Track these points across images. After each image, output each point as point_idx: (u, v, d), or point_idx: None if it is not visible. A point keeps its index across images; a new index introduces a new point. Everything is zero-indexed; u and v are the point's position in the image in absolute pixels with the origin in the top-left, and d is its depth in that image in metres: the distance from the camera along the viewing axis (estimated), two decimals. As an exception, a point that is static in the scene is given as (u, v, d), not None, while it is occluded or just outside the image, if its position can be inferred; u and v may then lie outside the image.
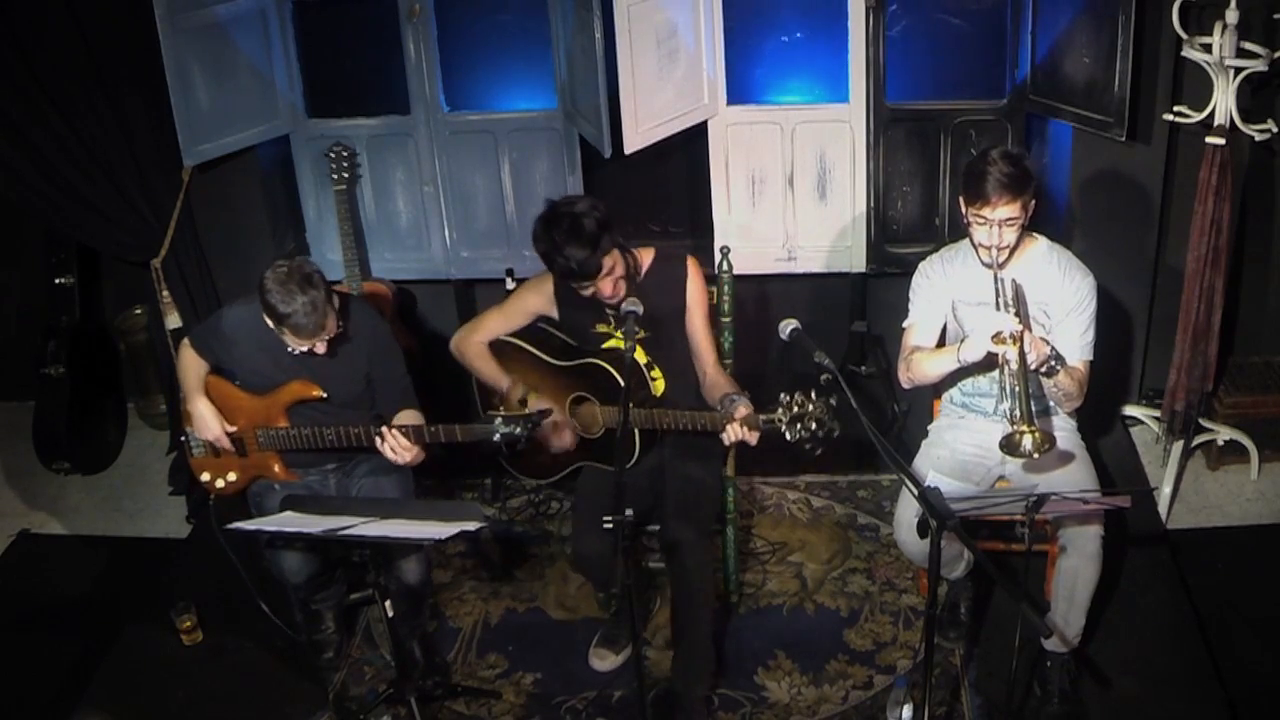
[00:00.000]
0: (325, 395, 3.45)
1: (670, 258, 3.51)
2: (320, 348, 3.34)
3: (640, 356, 3.44)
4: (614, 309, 3.40)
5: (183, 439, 3.65)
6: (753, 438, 3.19)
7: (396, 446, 3.35)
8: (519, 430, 3.22)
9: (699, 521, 3.42)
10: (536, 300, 3.58)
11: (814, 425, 3.05)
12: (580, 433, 3.53)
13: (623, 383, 3.32)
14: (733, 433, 3.18)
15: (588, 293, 3.32)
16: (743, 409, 3.20)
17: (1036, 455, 3.09)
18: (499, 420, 3.24)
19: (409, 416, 3.49)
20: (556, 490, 4.43)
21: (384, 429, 3.35)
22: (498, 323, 3.62)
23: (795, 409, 3.05)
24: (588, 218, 3.24)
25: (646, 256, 3.50)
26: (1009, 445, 3.09)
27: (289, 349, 3.34)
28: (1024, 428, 3.06)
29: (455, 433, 3.34)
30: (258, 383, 3.52)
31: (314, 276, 3.23)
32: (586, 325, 3.52)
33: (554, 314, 3.57)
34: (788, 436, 3.07)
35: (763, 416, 3.12)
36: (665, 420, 3.33)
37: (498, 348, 3.61)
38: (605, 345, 3.48)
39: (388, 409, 3.52)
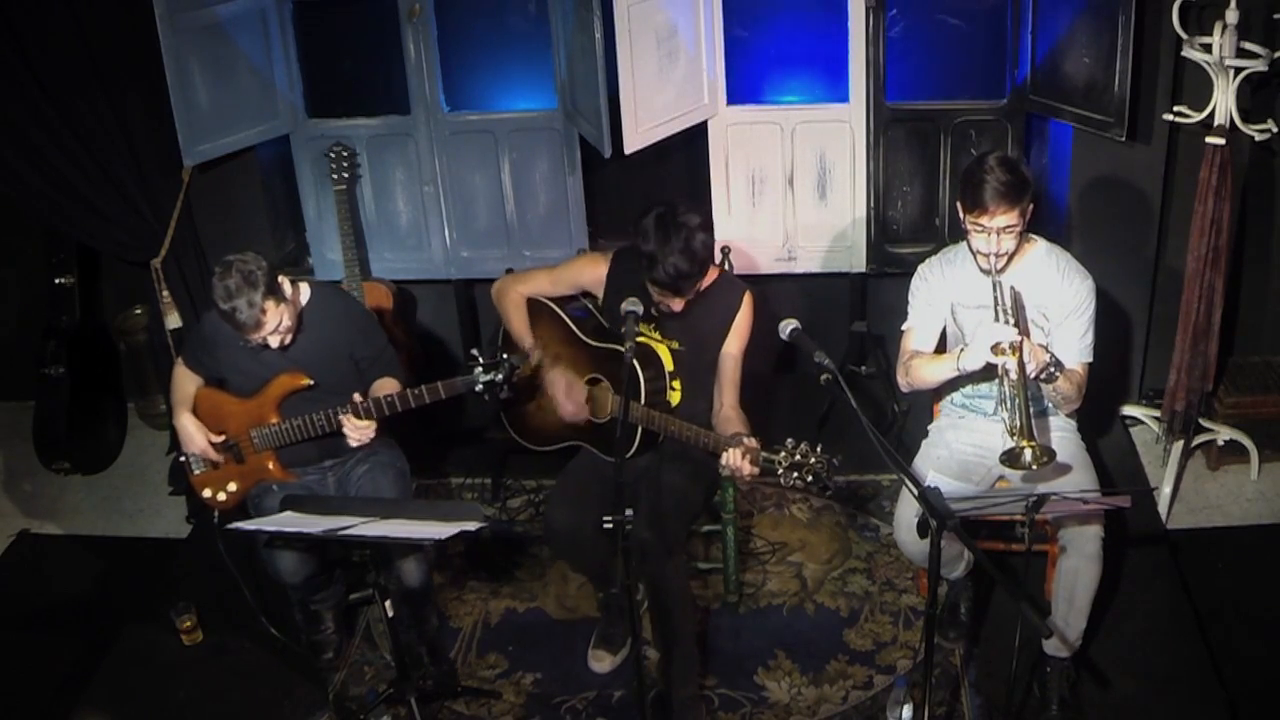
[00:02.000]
0: (313, 383, 3.47)
1: (732, 284, 3.55)
2: (274, 341, 3.36)
3: (667, 361, 3.45)
4: (658, 314, 3.44)
5: (183, 459, 3.66)
6: (749, 470, 3.19)
7: (355, 430, 3.38)
8: (499, 377, 3.24)
9: (665, 528, 3.40)
10: (589, 276, 3.60)
11: (810, 478, 3.07)
12: (590, 415, 3.54)
13: (642, 377, 3.35)
14: (732, 457, 3.18)
15: (656, 298, 3.34)
16: (751, 441, 3.21)
17: (1036, 468, 3.09)
18: (478, 370, 3.26)
19: (387, 384, 3.51)
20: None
21: (341, 417, 3.38)
22: (544, 284, 3.66)
23: (797, 456, 3.07)
24: (700, 238, 3.28)
25: (711, 274, 3.51)
26: (1009, 459, 3.10)
27: (250, 342, 3.35)
28: (1024, 442, 3.07)
29: (438, 390, 3.34)
30: (246, 383, 3.54)
31: (253, 274, 3.25)
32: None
33: (599, 295, 3.60)
34: (781, 480, 3.09)
35: (764, 453, 3.13)
36: (672, 427, 3.34)
37: (534, 306, 3.65)
38: (639, 339, 3.47)
39: (372, 382, 3.55)
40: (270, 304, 3.28)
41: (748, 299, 3.51)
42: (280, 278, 3.34)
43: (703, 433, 3.30)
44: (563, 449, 3.69)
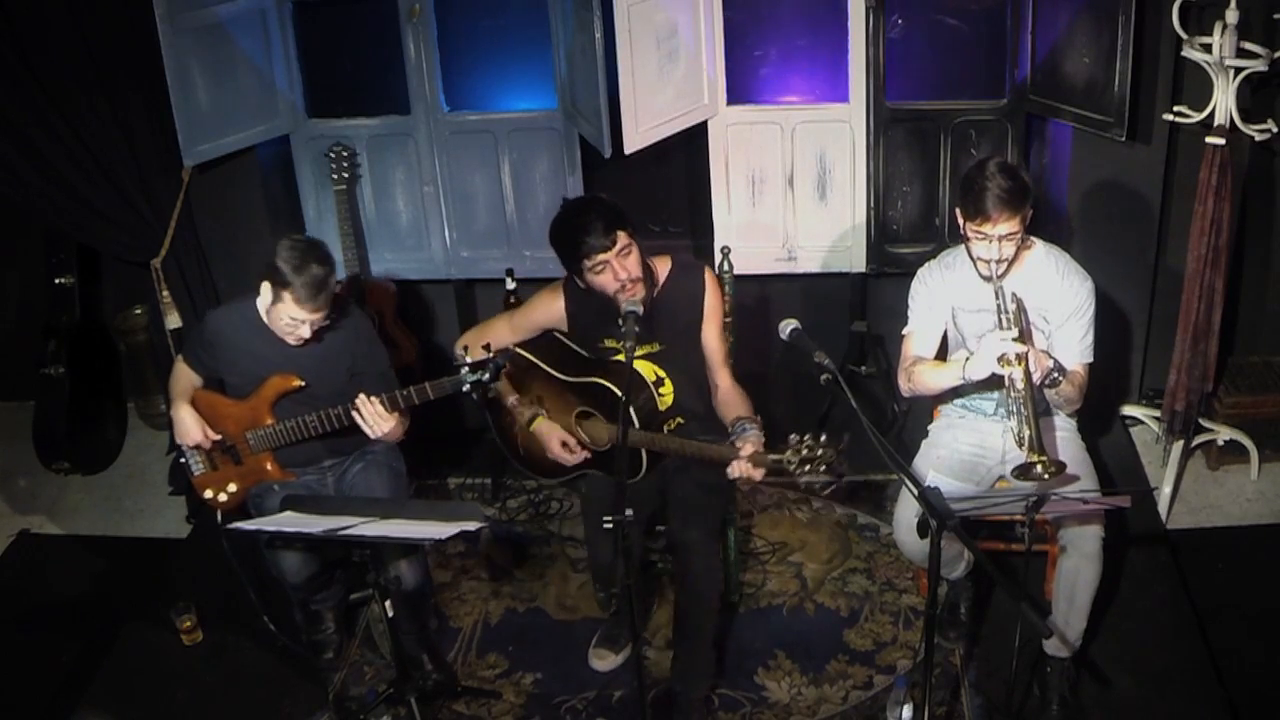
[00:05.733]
0: (304, 384, 3.48)
1: (688, 268, 3.52)
2: (309, 329, 3.36)
3: (648, 373, 3.44)
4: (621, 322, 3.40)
5: (182, 460, 3.66)
6: (758, 474, 3.19)
7: (373, 414, 3.36)
8: (487, 376, 3.24)
9: (707, 524, 3.42)
10: (547, 313, 3.57)
11: (823, 468, 3.04)
12: (590, 446, 3.53)
13: (621, 393, 3.33)
14: (739, 469, 3.18)
15: (598, 275, 3.28)
16: (750, 445, 3.20)
17: (1047, 479, 3.09)
18: (465, 370, 3.26)
19: None
20: (556, 490, 4.44)
21: (359, 398, 3.37)
22: (504, 332, 3.61)
23: (805, 451, 3.04)
24: (606, 199, 3.33)
25: (663, 266, 3.50)
26: (1021, 472, 3.10)
27: (283, 318, 3.34)
28: (1034, 456, 3.06)
29: (427, 391, 3.34)
30: (244, 384, 3.54)
31: (328, 257, 3.32)
32: (594, 343, 3.52)
33: (563, 328, 3.58)
34: (797, 478, 3.07)
35: (771, 456, 3.12)
36: (673, 447, 3.32)
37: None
38: (615, 359, 3.48)
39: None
40: (331, 291, 3.33)
41: (708, 276, 3.49)
42: None
43: (705, 448, 3.28)
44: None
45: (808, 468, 3.04)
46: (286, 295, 3.29)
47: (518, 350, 3.59)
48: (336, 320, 3.51)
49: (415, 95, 4.60)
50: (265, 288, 3.36)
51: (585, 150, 4.52)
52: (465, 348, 3.34)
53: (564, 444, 3.50)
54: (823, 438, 3.04)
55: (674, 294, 3.47)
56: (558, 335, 3.59)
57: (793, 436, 3.06)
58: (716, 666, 3.59)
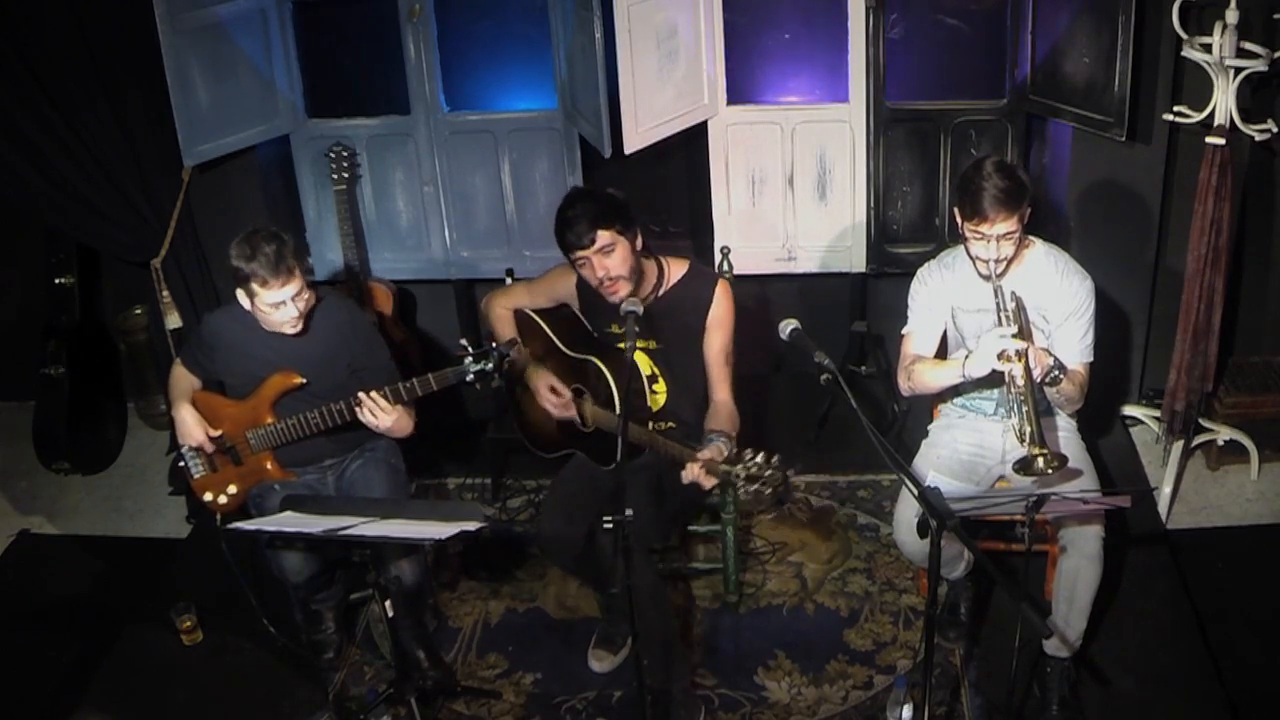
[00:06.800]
0: (305, 381, 3.48)
1: (702, 275, 3.53)
2: (293, 306, 3.34)
3: (644, 367, 3.44)
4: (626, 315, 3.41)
5: (181, 464, 3.66)
6: (708, 482, 3.19)
7: (374, 409, 3.37)
8: (489, 366, 3.26)
9: (642, 528, 3.35)
10: (562, 287, 3.62)
11: (768, 490, 3.04)
12: (578, 424, 3.54)
13: (615, 388, 3.33)
14: (690, 473, 3.20)
15: (582, 269, 3.33)
16: (708, 452, 3.21)
17: (1050, 472, 3.09)
18: (468, 360, 3.27)
19: None
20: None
21: (360, 394, 3.37)
22: (523, 297, 3.71)
23: (754, 469, 3.04)
24: (607, 192, 3.34)
25: (679, 268, 3.51)
26: (1022, 466, 3.10)
27: (266, 309, 3.33)
28: (1035, 449, 3.07)
29: (430, 382, 3.35)
30: (242, 385, 3.55)
31: (279, 234, 3.32)
32: (602, 324, 3.54)
33: (575, 304, 3.61)
34: (740, 493, 3.08)
35: (722, 466, 3.12)
36: (644, 439, 3.34)
37: (521, 319, 3.68)
38: (618, 345, 3.49)
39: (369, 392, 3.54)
40: (295, 261, 3.31)
41: (721, 289, 3.48)
42: None
43: (669, 445, 3.30)
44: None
45: (754, 486, 3.04)
46: (254, 285, 3.30)
47: (530, 313, 3.65)
48: (333, 317, 3.51)
49: (415, 95, 4.60)
50: (239, 295, 3.37)
51: (585, 150, 4.52)
52: (465, 341, 3.35)
53: (552, 389, 3.51)
54: (774, 459, 3.04)
55: (681, 296, 3.48)
56: (572, 310, 3.62)
57: (746, 452, 3.07)
58: (689, 660, 3.59)
